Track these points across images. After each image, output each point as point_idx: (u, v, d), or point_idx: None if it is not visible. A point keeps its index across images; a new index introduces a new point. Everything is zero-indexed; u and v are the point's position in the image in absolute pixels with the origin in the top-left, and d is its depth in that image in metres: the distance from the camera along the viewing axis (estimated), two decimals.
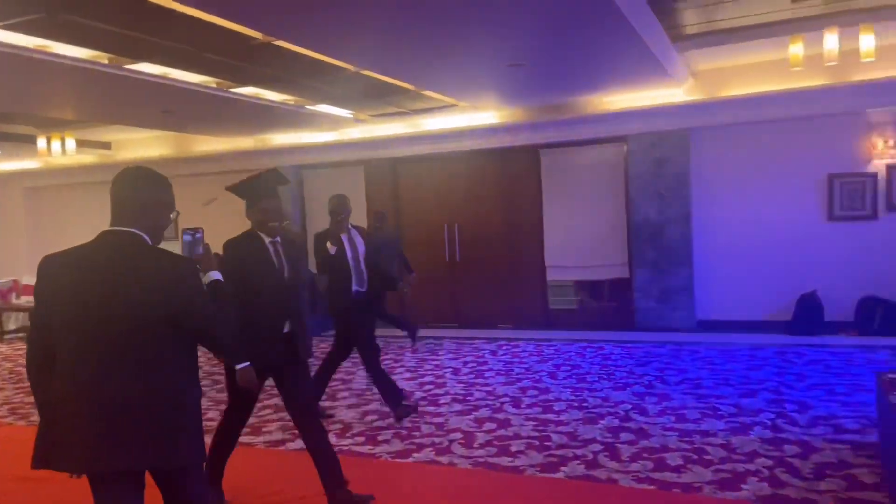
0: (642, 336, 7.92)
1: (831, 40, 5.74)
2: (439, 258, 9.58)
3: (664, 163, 8.26)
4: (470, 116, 8.85)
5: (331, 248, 4.94)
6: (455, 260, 9.57)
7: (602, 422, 4.91)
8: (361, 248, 5.13)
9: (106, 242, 2.17)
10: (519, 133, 8.81)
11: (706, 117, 7.96)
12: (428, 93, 7.57)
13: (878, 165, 7.48)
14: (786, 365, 6.34)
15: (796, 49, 5.99)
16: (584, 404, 5.38)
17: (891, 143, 7.41)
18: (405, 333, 8.19)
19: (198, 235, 2.34)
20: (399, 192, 9.90)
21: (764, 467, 3.91)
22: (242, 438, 4.07)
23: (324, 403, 5.68)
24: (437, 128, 9.12)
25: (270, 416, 5.44)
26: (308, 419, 3.54)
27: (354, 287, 5.04)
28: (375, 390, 5.48)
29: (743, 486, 3.68)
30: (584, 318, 8.90)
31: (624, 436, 4.58)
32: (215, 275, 2.32)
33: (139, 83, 6.19)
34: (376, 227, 7.98)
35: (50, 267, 2.15)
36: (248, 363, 3.32)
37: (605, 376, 6.25)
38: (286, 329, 3.49)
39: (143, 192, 2.21)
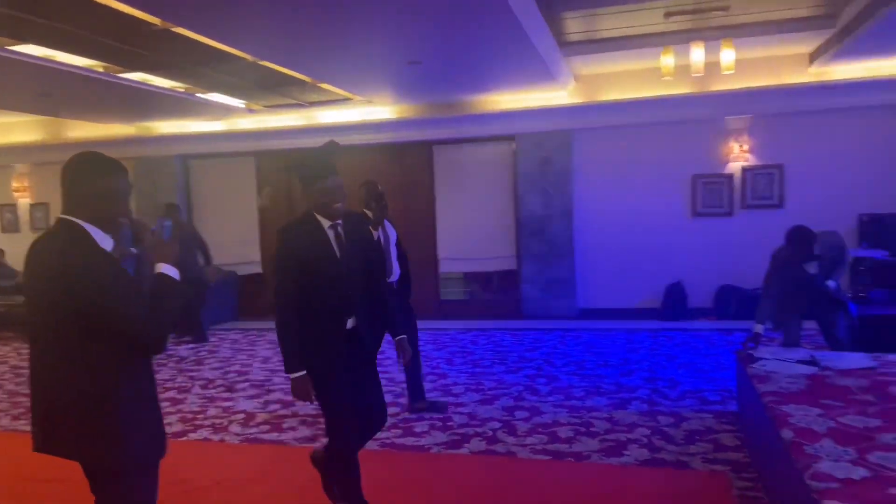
0: (530, 324, 8.39)
1: (697, 53, 6.37)
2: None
3: (549, 161, 8.78)
4: (365, 111, 8.97)
5: (376, 235, 4.31)
6: None
7: (498, 402, 5.24)
8: (393, 236, 4.82)
9: (49, 231, 2.13)
10: (413, 129, 9.03)
11: (587, 119, 8.54)
12: (324, 85, 7.61)
13: (735, 168, 8.35)
14: (657, 347, 6.97)
15: (667, 60, 6.58)
16: (481, 387, 5.69)
17: (745, 147, 8.29)
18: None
19: (165, 224, 2.18)
20: (293, 184, 9.84)
21: (643, 436, 4.36)
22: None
23: (225, 396, 5.66)
24: (331, 121, 9.17)
25: (169, 409, 5.35)
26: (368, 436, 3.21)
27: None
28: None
29: (625, 452, 4.10)
30: (475, 308, 9.29)
31: (519, 414, 4.93)
32: (166, 269, 2.12)
33: (16, 64, 5.84)
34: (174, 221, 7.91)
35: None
36: (304, 371, 2.91)
37: (499, 361, 6.61)
38: (349, 325, 3.04)
39: (84, 179, 2.08)
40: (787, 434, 2.91)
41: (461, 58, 6.37)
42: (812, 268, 4.70)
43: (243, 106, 8.79)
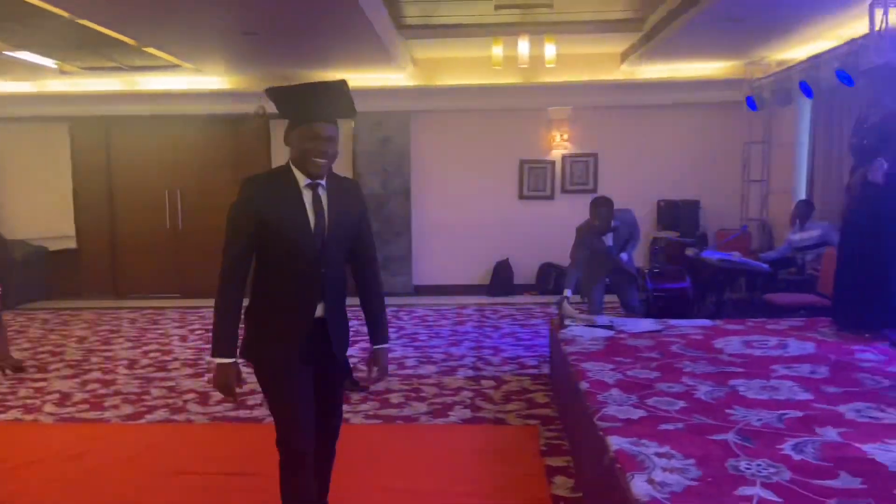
0: None
1: (523, 46, 6.84)
2: (159, 225, 9.21)
3: (388, 141, 8.97)
4: (194, 79, 8.59)
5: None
6: (177, 228, 9.27)
7: None
8: None
9: None
10: (247, 101, 8.78)
11: (424, 102, 8.82)
12: (150, 50, 7.21)
13: (556, 155, 9.05)
14: (484, 320, 7.46)
15: (497, 50, 7.00)
16: None
17: (566, 136, 9.00)
18: None
19: None
20: (112, 154, 9.23)
21: (467, 398, 4.72)
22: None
23: (38, 377, 5.29)
24: (157, 88, 8.70)
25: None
26: (328, 452, 2.68)
27: None
28: None
29: (450, 413, 4.42)
30: None
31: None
32: None
33: None
34: None
35: None
36: (233, 359, 2.39)
37: None
38: (318, 313, 2.46)
39: None
40: (583, 385, 3.34)
41: (299, 32, 6.34)
42: (609, 240, 5.31)
43: (55, 66, 8.08)
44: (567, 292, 5.11)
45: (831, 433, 2.64)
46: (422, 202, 9.14)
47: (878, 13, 5.23)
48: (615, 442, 2.56)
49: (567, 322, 4.71)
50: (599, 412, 2.93)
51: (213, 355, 2.40)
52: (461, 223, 9.10)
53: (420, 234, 9.16)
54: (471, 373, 5.37)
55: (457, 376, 5.28)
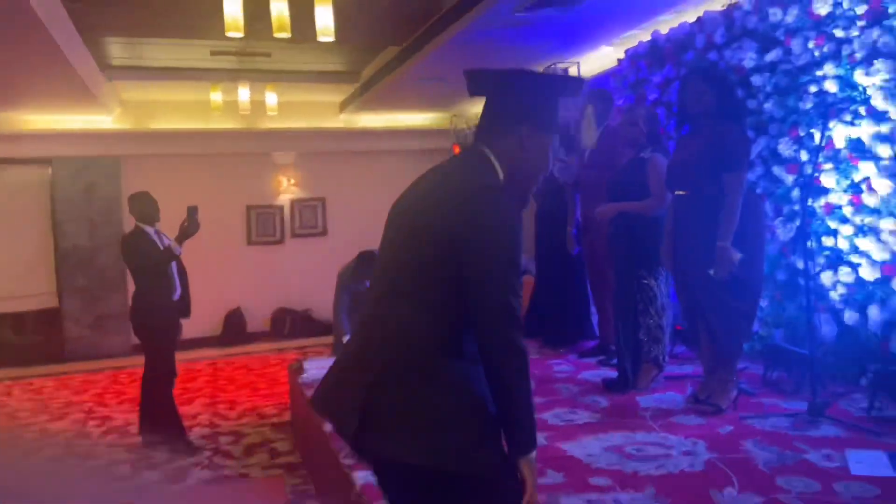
0: (77, 366, 7.66)
1: (244, 93, 6.84)
2: None
3: (94, 188, 8.22)
4: None
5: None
6: None
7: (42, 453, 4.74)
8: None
9: None
10: None
11: (136, 146, 8.28)
12: None
13: (284, 200, 9.10)
14: (218, 373, 7.15)
15: (216, 96, 6.90)
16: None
17: (293, 181, 9.10)
18: None
19: None
20: None
21: (205, 458, 4.50)
22: None
23: None
24: None
25: None
26: None
27: None
28: None
29: (188, 477, 4.18)
30: (8, 355, 8.03)
31: (70, 459, 4.55)
32: None
33: None
34: None
35: None
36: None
37: (40, 411, 5.92)
38: None
39: None
40: (328, 427, 3.43)
41: None
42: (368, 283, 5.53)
43: None
44: (346, 338, 5.18)
45: (539, 438, 3.07)
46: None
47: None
48: (360, 476, 2.69)
49: (306, 366, 4.77)
50: (343, 451, 3.05)
51: (529, 449, 1.58)
52: (189, 273, 8.61)
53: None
54: (207, 431, 5.12)
55: (191, 436, 4.99)
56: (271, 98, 7.04)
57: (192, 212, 4.47)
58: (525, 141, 1.65)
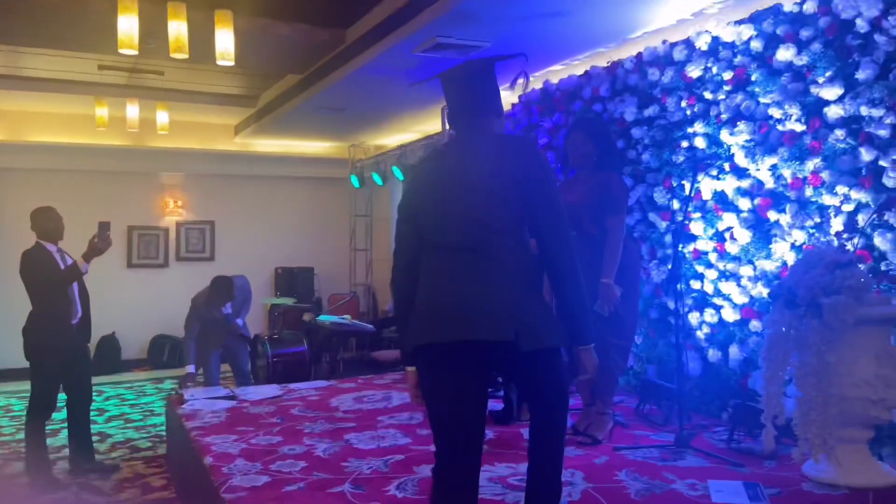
0: None
1: (132, 110, 6.57)
2: None
3: None
4: None
5: None
6: None
7: None
8: None
9: None
10: None
11: (10, 159, 7.73)
12: None
13: (170, 221, 8.75)
14: None
15: (102, 111, 6.59)
16: None
17: (179, 203, 8.78)
18: None
19: None
20: None
21: (71, 494, 4.18)
22: None
23: None
24: None
25: None
26: None
27: None
28: None
29: None
30: None
31: None
32: None
33: None
34: None
35: None
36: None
37: None
38: None
39: None
40: (207, 460, 3.32)
41: None
42: (227, 308, 5.39)
43: None
44: (190, 368, 4.99)
45: (426, 470, 3.12)
46: (4, 274, 7.87)
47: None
48: None
49: (187, 397, 4.58)
50: (225, 485, 2.96)
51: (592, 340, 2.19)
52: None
53: (6, 308, 7.84)
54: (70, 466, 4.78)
55: (53, 473, 4.64)
56: (162, 116, 6.80)
57: (104, 227, 4.24)
58: (502, 110, 2.30)
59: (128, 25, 3.83)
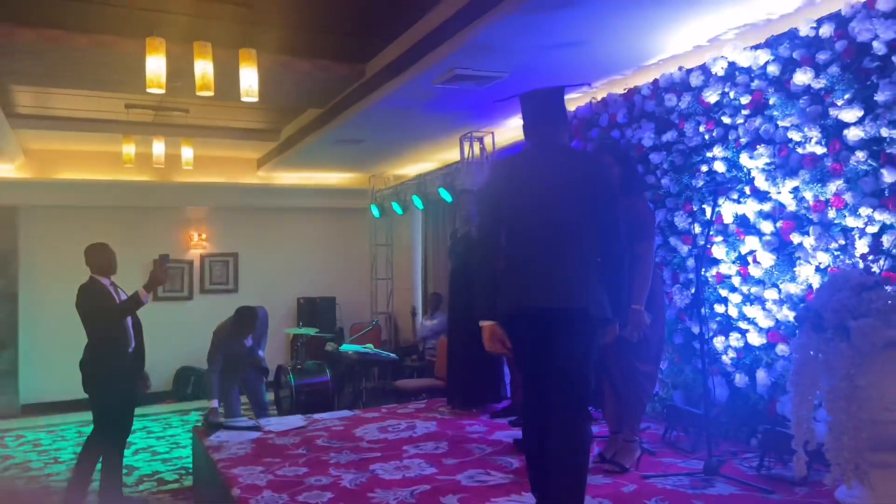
0: None
1: (158, 147, 6.72)
2: None
3: None
4: None
5: None
6: None
7: None
8: None
9: None
10: None
11: (38, 196, 7.93)
12: None
13: (194, 254, 8.88)
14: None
15: (129, 149, 6.74)
16: None
17: (204, 236, 8.92)
18: None
19: None
20: None
21: None
22: None
23: None
24: None
25: None
26: None
27: None
28: None
29: None
30: None
31: None
32: None
33: None
34: None
35: None
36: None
37: None
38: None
39: None
40: (235, 492, 3.34)
41: None
42: (248, 340, 5.41)
43: None
44: (215, 403, 5.02)
45: (452, 500, 3.11)
46: (33, 308, 8.02)
47: (466, 145, 6.53)
48: None
49: (213, 435, 4.61)
50: None
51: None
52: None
53: (30, 344, 7.98)
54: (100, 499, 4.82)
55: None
56: (187, 152, 6.94)
57: (164, 259, 4.49)
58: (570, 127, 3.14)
59: (156, 66, 3.95)
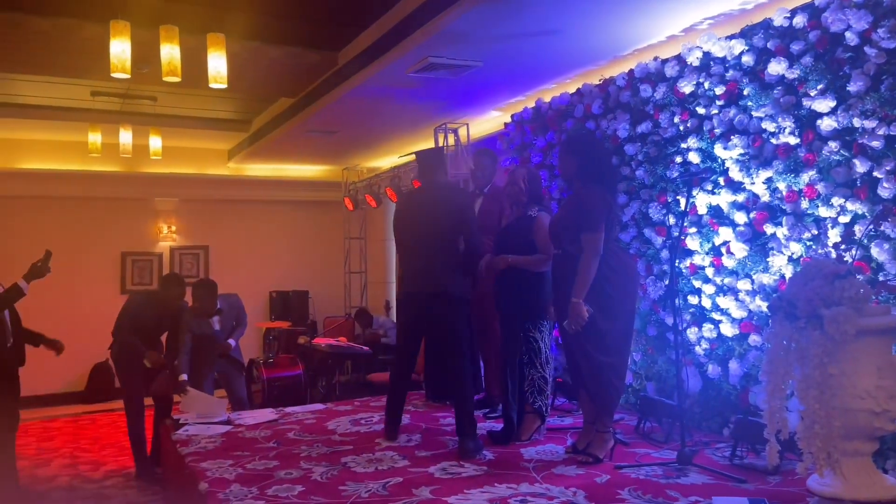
0: None
1: (126, 136, 6.55)
2: None
3: None
4: None
5: None
6: None
7: None
8: None
9: None
10: None
11: (4, 187, 7.70)
12: None
13: (164, 247, 8.71)
14: (80, 431, 6.60)
15: (95, 137, 6.57)
16: None
17: (173, 228, 8.75)
18: None
19: None
20: None
21: None
22: None
23: None
24: None
25: None
26: None
27: None
28: None
29: None
30: None
31: None
32: None
33: None
34: None
35: None
36: None
37: None
38: None
39: None
40: (203, 486, 3.25)
41: None
42: (216, 324, 5.24)
43: None
44: (184, 377, 4.91)
45: (425, 492, 3.06)
46: None
47: (441, 137, 6.47)
48: None
49: (182, 429, 4.50)
50: None
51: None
52: (51, 322, 7.97)
53: None
54: (64, 494, 4.70)
55: (47, 502, 4.56)
56: (155, 142, 6.78)
57: (48, 256, 4.31)
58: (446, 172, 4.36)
59: (120, 49, 3.83)
